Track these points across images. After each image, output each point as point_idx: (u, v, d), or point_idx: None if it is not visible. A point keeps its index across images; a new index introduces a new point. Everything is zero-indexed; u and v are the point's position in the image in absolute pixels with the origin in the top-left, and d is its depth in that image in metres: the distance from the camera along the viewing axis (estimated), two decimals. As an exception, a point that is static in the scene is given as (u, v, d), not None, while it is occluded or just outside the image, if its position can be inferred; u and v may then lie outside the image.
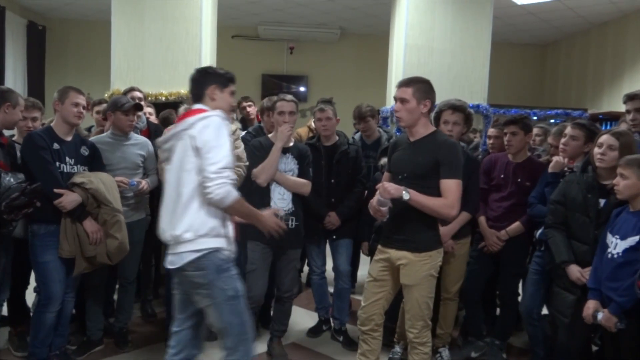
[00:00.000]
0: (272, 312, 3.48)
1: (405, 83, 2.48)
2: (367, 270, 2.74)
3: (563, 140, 2.94)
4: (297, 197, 3.15)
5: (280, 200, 3.09)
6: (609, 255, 2.29)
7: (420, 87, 2.45)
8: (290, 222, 3.09)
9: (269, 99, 3.69)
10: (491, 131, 3.84)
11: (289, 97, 3.14)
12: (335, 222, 3.43)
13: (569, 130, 2.92)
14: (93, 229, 2.83)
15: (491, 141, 3.80)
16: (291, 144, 3.19)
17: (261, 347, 3.43)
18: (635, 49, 7.00)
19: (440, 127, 3.08)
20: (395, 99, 2.51)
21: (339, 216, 3.43)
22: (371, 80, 8.42)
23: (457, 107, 3.07)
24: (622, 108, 6.92)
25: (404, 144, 2.60)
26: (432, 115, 3.13)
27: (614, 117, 6.72)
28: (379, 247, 2.66)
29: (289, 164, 3.14)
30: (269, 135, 3.22)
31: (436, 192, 2.44)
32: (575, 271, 2.53)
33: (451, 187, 2.40)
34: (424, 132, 2.51)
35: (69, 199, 2.74)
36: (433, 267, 2.52)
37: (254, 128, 3.93)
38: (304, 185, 3.15)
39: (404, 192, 2.35)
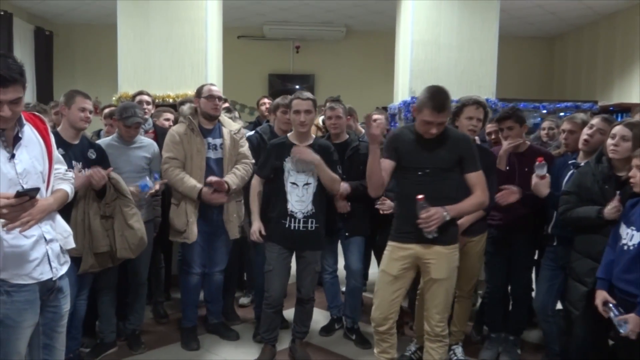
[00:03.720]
0: (292, 313, 3.44)
1: (446, 107, 2.48)
2: (381, 268, 2.69)
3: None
4: (317, 199, 3.09)
5: (299, 202, 3.05)
6: (624, 247, 2.25)
7: (450, 102, 2.53)
8: (310, 225, 3.07)
9: (283, 97, 3.64)
10: (490, 127, 3.77)
11: (306, 94, 3.08)
12: (346, 188, 3.32)
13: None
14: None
15: (492, 137, 3.74)
16: (310, 141, 3.13)
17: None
18: (645, 39, 6.91)
19: (461, 122, 3.05)
20: (431, 122, 2.47)
21: (350, 186, 3.33)
22: (378, 77, 8.39)
23: (482, 103, 3.08)
24: (632, 99, 6.89)
25: (410, 137, 2.61)
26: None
27: (625, 109, 6.65)
28: (397, 244, 2.62)
29: (308, 164, 3.06)
30: (288, 135, 3.18)
31: (455, 184, 2.56)
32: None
33: (479, 179, 2.56)
34: None
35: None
36: (457, 259, 2.64)
37: (262, 128, 3.92)
38: (336, 181, 3.09)
39: (444, 214, 2.43)
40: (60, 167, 2.14)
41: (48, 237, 1.98)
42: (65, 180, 2.13)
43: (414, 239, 2.55)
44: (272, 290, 3.11)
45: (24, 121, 1.93)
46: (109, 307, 3.28)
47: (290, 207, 3.05)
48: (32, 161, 1.92)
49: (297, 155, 2.99)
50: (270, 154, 3.14)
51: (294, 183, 3.06)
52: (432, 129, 2.49)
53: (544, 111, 6.87)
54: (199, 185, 3.25)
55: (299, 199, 3.05)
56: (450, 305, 2.64)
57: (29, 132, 1.94)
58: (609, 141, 2.50)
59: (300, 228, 3.05)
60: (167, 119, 4.13)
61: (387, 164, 2.63)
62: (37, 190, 1.80)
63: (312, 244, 3.13)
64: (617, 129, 2.47)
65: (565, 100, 7.26)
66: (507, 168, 3.15)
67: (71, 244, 2.13)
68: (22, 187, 1.83)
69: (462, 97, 3.14)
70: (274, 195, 3.10)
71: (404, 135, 2.66)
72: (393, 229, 2.68)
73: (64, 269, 2.08)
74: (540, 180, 2.88)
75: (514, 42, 8.69)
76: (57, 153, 2.11)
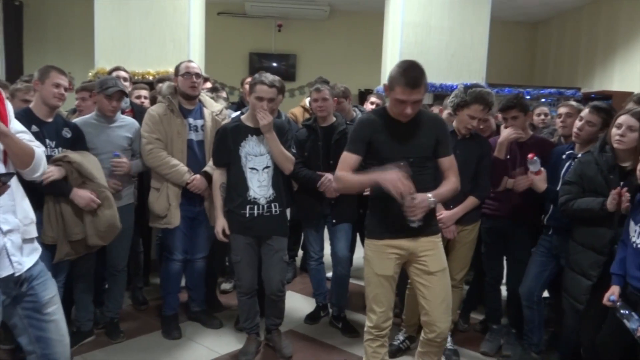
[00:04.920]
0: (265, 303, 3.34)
1: (420, 82, 2.18)
2: (375, 272, 2.39)
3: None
4: (276, 182, 2.97)
5: (260, 187, 2.92)
6: (633, 245, 2.19)
7: (426, 79, 2.23)
8: (274, 209, 2.95)
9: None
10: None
11: (270, 79, 2.86)
12: (331, 180, 3.18)
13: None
14: (85, 200, 2.71)
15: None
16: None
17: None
18: (628, 27, 6.93)
19: (462, 117, 2.92)
20: (405, 101, 2.19)
21: None
22: (362, 58, 8.26)
23: (489, 104, 2.90)
24: (614, 87, 6.93)
25: (382, 124, 2.32)
26: (453, 102, 2.97)
27: (606, 97, 6.67)
28: (386, 241, 2.37)
29: (265, 146, 2.93)
30: (242, 117, 3.01)
31: (433, 172, 2.39)
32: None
33: (452, 162, 2.41)
34: None
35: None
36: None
37: (248, 109, 3.76)
38: (290, 160, 2.97)
39: (430, 200, 2.23)
40: (24, 135, 1.92)
41: (5, 227, 1.77)
42: (35, 147, 1.93)
43: (404, 233, 2.31)
44: (243, 280, 3.02)
45: None
46: (86, 294, 3.14)
47: (252, 194, 2.91)
48: None
49: (259, 117, 2.81)
50: (225, 139, 2.93)
51: (253, 168, 2.91)
52: (406, 108, 2.21)
53: (528, 97, 6.85)
54: (190, 175, 3.13)
55: (260, 184, 2.92)
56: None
57: None
58: (614, 131, 2.41)
59: (265, 214, 2.92)
60: (139, 97, 3.94)
61: (354, 161, 2.34)
62: (11, 175, 1.64)
63: (279, 229, 3.00)
64: (624, 119, 2.39)
65: (548, 87, 7.26)
66: (508, 157, 3.06)
67: (31, 232, 1.91)
68: None
69: (472, 90, 2.92)
70: (233, 184, 2.94)
71: (374, 123, 2.35)
72: (374, 225, 2.42)
73: (32, 260, 1.89)
74: (536, 176, 2.81)
75: (497, 26, 8.60)
76: (15, 124, 1.90)
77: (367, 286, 2.46)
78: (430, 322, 2.38)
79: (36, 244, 1.95)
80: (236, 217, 2.93)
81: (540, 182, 2.81)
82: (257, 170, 2.92)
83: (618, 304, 2.22)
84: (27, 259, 1.87)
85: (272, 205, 2.94)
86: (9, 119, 1.86)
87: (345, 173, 2.34)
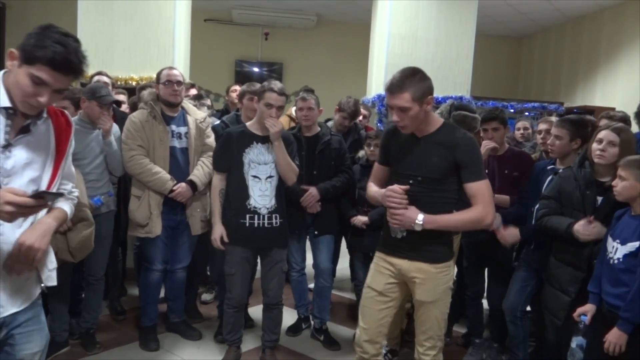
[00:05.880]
0: (257, 311, 3.30)
1: (398, 87, 2.03)
2: (366, 283, 2.35)
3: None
4: (279, 193, 2.92)
5: (262, 197, 2.86)
6: (610, 261, 2.19)
7: (418, 86, 2.03)
8: (275, 220, 2.89)
9: (249, 84, 3.51)
10: None
11: (279, 86, 2.82)
12: (314, 197, 3.22)
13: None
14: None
15: None
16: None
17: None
18: (610, 44, 7.05)
19: None
20: (390, 106, 2.11)
21: (320, 192, 3.22)
22: (348, 68, 8.28)
23: (471, 129, 2.92)
24: (596, 102, 7.04)
25: (405, 136, 2.20)
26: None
27: (588, 111, 6.77)
28: (383, 255, 2.30)
29: (270, 155, 2.89)
30: (247, 124, 2.97)
31: (453, 195, 2.19)
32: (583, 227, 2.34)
33: (480, 189, 2.09)
34: (431, 127, 2.16)
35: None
36: (451, 279, 2.27)
37: (229, 117, 3.73)
38: (295, 170, 2.91)
39: (416, 221, 2.08)
40: (68, 184, 1.75)
41: None
42: (68, 200, 1.74)
43: (398, 252, 2.23)
44: (234, 292, 2.95)
45: (45, 114, 1.60)
46: (61, 303, 3.05)
47: (253, 202, 2.84)
48: (27, 163, 1.55)
49: (269, 124, 2.76)
50: (229, 144, 2.88)
51: (255, 176, 2.86)
52: (393, 116, 2.09)
53: (512, 110, 6.93)
54: (173, 182, 3.07)
55: (262, 193, 2.86)
56: (443, 335, 2.32)
57: (43, 130, 1.60)
58: (595, 146, 2.41)
59: (266, 225, 2.86)
60: (123, 101, 3.89)
61: (381, 172, 2.32)
62: (59, 195, 1.53)
63: (279, 241, 2.95)
64: (604, 134, 2.39)
65: (532, 101, 7.34)
66: (486, 171, 3.06)
67: (53, 280, 1.71)
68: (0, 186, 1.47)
69: (457, 113, 2.97)
70: (232, 192, 2.88)
71: (395, 134, 2.25)
72: (382, 237, 2.35)
73: (20, 304, 1.60)
74: (504, 232, 2.77)
75: (482, 40, 8.70)
76: (68, 166, 1.73)
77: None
78: (415, 342, 2.35)
79: (33, 290, 1.68)
80: (235, 226, 2.86)
81: (510, 237, 2.79)
82: (259, 178, 2.86)
83: (581, 325, 2.23)
84: (15, 302, 1.59)
85: (273, 216, 2.88)
86: (65, 157, 1.68)
87: (370, 184, 2.38)
